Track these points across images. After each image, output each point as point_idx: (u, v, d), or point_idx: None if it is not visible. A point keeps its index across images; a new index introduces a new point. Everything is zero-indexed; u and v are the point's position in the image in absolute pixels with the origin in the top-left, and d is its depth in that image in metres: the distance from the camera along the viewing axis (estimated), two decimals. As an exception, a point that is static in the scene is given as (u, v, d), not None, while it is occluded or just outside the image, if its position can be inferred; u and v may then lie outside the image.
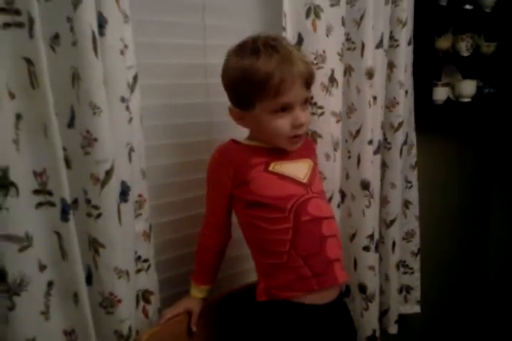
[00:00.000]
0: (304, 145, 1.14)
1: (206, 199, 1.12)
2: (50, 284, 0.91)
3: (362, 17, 1.34)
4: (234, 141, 1.09)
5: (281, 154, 1.08)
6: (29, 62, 0.81)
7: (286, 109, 1.01)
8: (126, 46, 0.96)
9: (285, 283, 1.03)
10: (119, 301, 0.97)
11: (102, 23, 0.89)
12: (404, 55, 1.51)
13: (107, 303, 0.97)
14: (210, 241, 1.14)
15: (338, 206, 1.43)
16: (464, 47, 1.78)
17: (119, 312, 0.98)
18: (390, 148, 1.57)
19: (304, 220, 1.03)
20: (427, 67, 1.69)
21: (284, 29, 1.21)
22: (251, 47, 1.00)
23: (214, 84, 1.23)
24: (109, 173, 0.91)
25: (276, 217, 1.03)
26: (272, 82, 0.97)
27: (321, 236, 1.04)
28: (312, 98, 1.28)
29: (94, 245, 0.94)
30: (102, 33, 0.89)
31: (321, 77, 1.28)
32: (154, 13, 1.12)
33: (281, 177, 1.06)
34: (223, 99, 1.26)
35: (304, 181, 1.07)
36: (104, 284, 0.96)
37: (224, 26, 1.25)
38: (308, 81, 1.03)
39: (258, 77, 0.97)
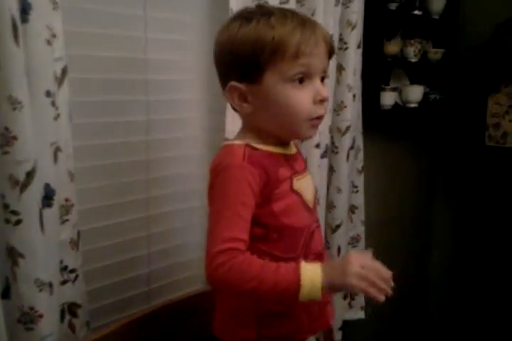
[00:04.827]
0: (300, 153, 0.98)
1: (218, 220, 0.79)
2: (-41, 298, 0.82)
3: (311, 17, 1.30)
4: (249, 146, 0.83)
5: (295, 164, 0.89)
6: None
7: (303, 80, 0.81)
8: (54, 35, 0.87)
9: (285, 332, 0.88)
10: (41, 316, 0.88)
11: (25, 8, 0.80)
12: (354, 58, 1.49)
13: (27, 319, 0.88)
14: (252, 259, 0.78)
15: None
16: (412, 53, 1.78)
17: (40, 328, 0.89)
18: (337, 152, 1.54)
19: (310, 260, 0.84)
20: (376, 71, 1.67)
21: (230, 25, 1.15)
22: (260, 12, 0.82)
23: (154, 80, 1.16)
24: (30, 175, 0.82)
25: (288, 258, 0.83)
26: (293, 39, 0.77)
27: None
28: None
29: (12, 255, 0.85)
30: (25, 20, 0.80)
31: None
32: (90, 1, 1.04)
33: (302, 201, 0.86)
34: (163, 97, 1.20)
35: (311, 206, 0.89)
36: (24, 298, 0.87)
37: (167, 19, 1.17)
38: (330, 50, 0.85)
39: (273, 35, 0.77)
